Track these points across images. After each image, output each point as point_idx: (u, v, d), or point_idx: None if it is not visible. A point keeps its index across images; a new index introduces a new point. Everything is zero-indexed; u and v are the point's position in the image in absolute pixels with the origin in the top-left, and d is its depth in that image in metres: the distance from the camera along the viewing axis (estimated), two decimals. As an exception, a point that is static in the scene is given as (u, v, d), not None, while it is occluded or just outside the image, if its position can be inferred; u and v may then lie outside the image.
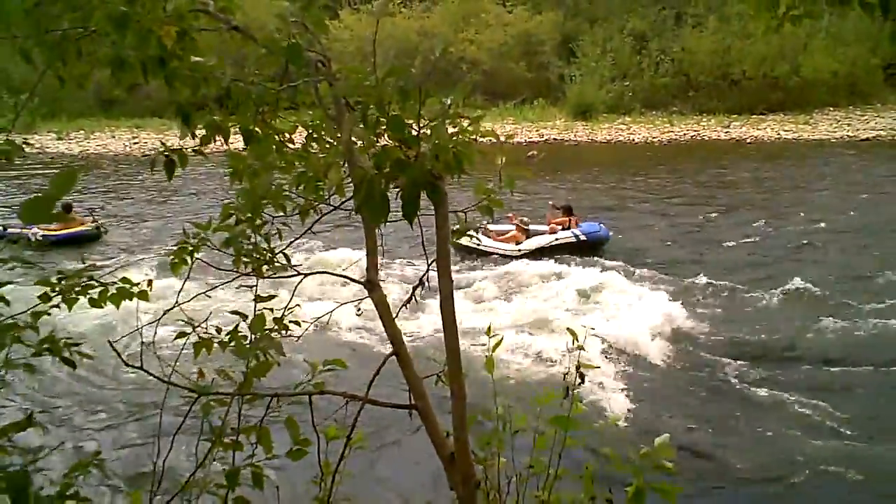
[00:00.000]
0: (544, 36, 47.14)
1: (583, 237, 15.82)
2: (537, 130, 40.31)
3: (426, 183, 2.27)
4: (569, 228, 16.09)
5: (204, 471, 2.61)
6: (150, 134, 41.68)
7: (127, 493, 2.75)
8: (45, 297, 2.64)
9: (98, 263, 3.06)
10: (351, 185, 2.37)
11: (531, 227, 16.53)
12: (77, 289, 2.65)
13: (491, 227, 16.33)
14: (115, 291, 2.71)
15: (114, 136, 42.65)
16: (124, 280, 2.74)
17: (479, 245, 15.63)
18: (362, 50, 41.00)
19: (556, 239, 15.80)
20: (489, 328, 3.16)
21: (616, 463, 2.36)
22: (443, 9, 49.58)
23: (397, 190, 2.27)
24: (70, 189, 1.50)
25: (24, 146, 2.51)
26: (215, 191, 24.78)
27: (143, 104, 43.50)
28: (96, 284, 2.68)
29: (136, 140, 41.18)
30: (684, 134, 38.51)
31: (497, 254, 15.68)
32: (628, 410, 8.77)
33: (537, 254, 15.51)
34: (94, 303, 2.67)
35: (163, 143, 2.59)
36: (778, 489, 7.53)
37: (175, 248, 2.77)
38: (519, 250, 15.67)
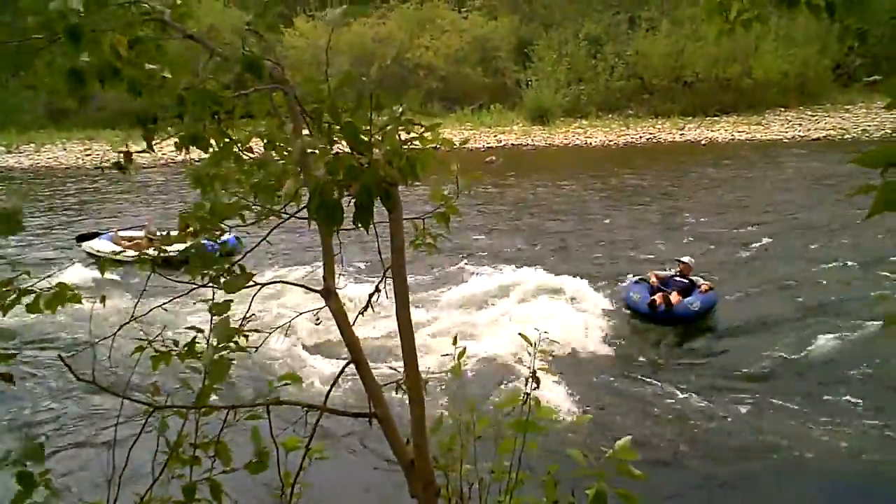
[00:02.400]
0: (500, 41, 47.39)
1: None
2: (495, 135, 40.47)
3: (380, 190, 2.27)
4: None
5: (163, 485, 2.57)
6: (103, 145, 40.99)
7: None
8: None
9: (45, 273, 2.99)
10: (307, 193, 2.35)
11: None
12: (12, 296, 2.56)
13: (121, 233, 17.67)
14: (50, 296, 2.64)
15: (65, 149, 41.85)
16: (59, 285, 2.67)
17: (98, 252, 16.69)
18: (317, 57, 40.78)
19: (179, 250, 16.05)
20: (455, 338, 3.18)
21: (580, 465, 2.36)
22: (398, 15, 49.59)
23: (353, 198, 2.26)
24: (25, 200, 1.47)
25: None
26: (172, 200, 24.49)
27: (95, 115, 42.80)
28: (31, 291, 2.60)
29: (89, 152, 40.45)
30: (640, 136, 38.96)
31: (119, 262, 16.19)
32: (588, 411, 8.86)
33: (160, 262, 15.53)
34: (30, 308, 2.59)
35: (113, 145, 2.56)
36: (736, 484, 7.70)
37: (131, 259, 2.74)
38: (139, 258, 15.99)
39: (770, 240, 17.15)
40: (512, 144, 38.75)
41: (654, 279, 12.73)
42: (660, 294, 12.27)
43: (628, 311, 12.52)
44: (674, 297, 12.11)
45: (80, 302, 2.64)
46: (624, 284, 13.55)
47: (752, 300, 13.01)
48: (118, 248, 16.88)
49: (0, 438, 8.49)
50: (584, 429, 8.08)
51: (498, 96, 46.25)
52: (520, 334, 3.03)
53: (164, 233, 2.67)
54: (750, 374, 10.01)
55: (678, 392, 9.58)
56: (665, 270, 13.27)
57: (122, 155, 2.58)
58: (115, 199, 25.65)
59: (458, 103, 45.56)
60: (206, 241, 2.51)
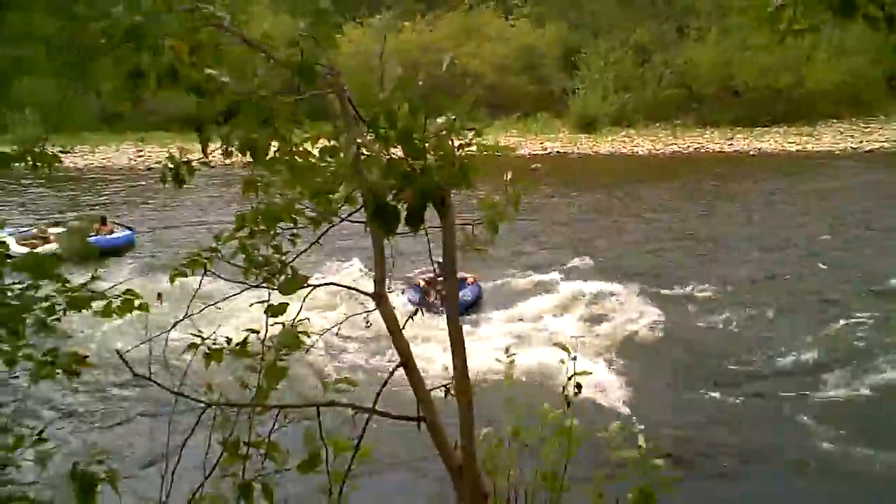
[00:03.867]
0: (547, 49, 47.23)
1: None
2: (541, 143, 40.33)
3: (434, 195, 2.29)
4: (99, 234, 18.07)
5: (215, 483, 2.61)
6: (155, 148, 41.73)
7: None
8: (50, 310, 2.63)
9: (111, 274, 3.06)
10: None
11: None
12: (81, 299, 2.64)
13: (22, 230, 18.69)
14: (119, 304, 2.72)
15: (118, 150, 42.70)
16: (128, 292, 2.75)
17: None
18: (366, 64, 40.98)
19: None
20: (507, 349, 3.23)
21: (624, 470, 2.36)
22: (445, 23, 49.72)
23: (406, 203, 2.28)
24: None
25: (60, 154, 2.56)
26: (222, 202, 24.84)
27: (148, 118, 43.53)
28: (101, 297, 2.69)
29: (141, 154, 41.24)
30: (688, 146, 38.48)
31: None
32: (626, 420, 8.85)
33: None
34: (103, 314, 2.68)
35: (171, 156, 2.62)
36: (770, 484, 7.66)
37: (185, 259, 2.79)
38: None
39: (819, 253, 16.83)
40: (558, 152, 38.56)
41: (422, 282, 13.57)
42: (431, 290, 13.37)
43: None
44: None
45: (148, 310, 2.72)
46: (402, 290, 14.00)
47: (799, 315, 12.78)
48: (17, 247, 17.77)
49: (58, 434, 8.67)
50: (626, 436, 8.05)
51: (544, 104, 46.07)
52: (557, 344, 3.03)
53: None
54: (800, 391, 9.81)
55: (719, 400, 9.50)
56: (430, 273, 13.65)
57: (182, 165, 2.63)
58: (163, 199, 26.12)
59: (504, 111, 45.46)
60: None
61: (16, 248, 17.94)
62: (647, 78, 44.54)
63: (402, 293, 13.51)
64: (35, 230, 18.64)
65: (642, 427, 8.67)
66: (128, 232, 18.55)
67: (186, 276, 2.75)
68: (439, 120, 2.29)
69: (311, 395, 2.73)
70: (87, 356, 2.70)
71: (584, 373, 3.17)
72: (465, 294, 13.14)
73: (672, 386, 10.09)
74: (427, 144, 2.28)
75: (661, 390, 9.95)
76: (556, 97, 46.39)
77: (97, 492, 2.44)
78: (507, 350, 3.27)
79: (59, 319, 2.61)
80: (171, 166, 2.72)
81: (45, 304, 2.57)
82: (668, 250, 17.95)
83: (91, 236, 17.89)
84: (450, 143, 2.32)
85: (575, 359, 3.09)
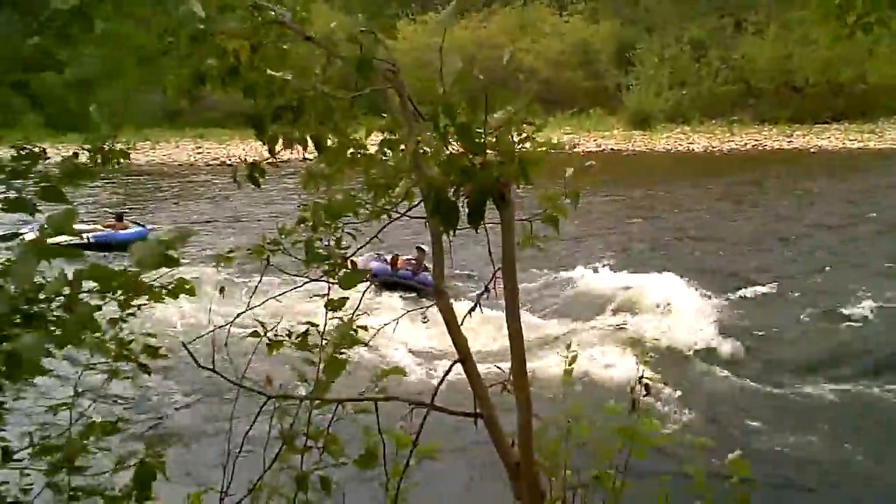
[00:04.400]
0: (601, 45, 46.86)
1: (91, 240, 17.93)
2: (595, 140, 40.00)
3: (494, 190, 2.28)
4: (115, 230, 18.99)
5: (273, 474, 2.63)
6: (213, 144, 42.52)
7: (196, 494, 2.81)
8: (126, 304, 2.67)
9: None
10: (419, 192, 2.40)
11: (81, 227, 18.71)
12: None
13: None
14: (169, 289, 2.77)
15: (177, 147, 43.60)
16: (178, 279, 2.80)
17: None
18: (420, 60, 41.04)
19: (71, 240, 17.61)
20: (569, 344, 3.19)
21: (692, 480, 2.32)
22: (500, 18, 49.64)
23: (466, 198, 2.27)
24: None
25: (128, 150, 2.61)
26: (279, 196, 25.17)
27: (206, 115, 44.34)
28: (154, 285, 2.73)
29: (200, 150, 42.04)
30: (745, 143, 37.81)
31: None
32: (693, 421, 8.69)
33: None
34: (153, 298, 2.72)
35: (245, 161, 2.66)
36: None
37: (231, 252, 2.85)
38: None
39: (882, 253, 16.42)
40: (612, 149, 38.21)
41: (397, 261, 14.70)
42: (402, 260, 14.72)
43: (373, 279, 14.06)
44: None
45: (194, 294, 2.77)
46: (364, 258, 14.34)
47: (869, 319, 12.45)
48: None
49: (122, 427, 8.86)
50: (693, 438, 7.90)
51: (598, 100, 45.74)
52: (630, 340, 2.99)
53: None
54: (875, 396, 9.57)
55: (794, 407, 9.27)
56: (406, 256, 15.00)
57: (253, 167, 2.67)
58: (224, 193, 26.62)
59: (559, 106, 45.18)
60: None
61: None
62: (703, 73, 43.93)
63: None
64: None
65: (717, 433, 8.47)
66: (140, 229, 19.20)
67: (232, 261, 2.80)
68: (498, 114, 2.28)
69: (364, 388, 2.74)
70: (160, 348, 2.75)
71: (652, 379, 3.12)
72: (426, 277, 14.03)
73: (741, 390, 9.85)
74: (486, 139, 2.27)
75: (731, 394, 9.73)
76: (611, 93, 46.05)
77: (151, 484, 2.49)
78: (568, 346, 3.22)
79: (134, 314, 2.66)
80: (241, 169, 2.77)
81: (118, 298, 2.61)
82: (723, 250, 17.72)
83: (106, 232, 18.69)
84: (510, 137, 2.30)
85: (647, 360, 3.05)
